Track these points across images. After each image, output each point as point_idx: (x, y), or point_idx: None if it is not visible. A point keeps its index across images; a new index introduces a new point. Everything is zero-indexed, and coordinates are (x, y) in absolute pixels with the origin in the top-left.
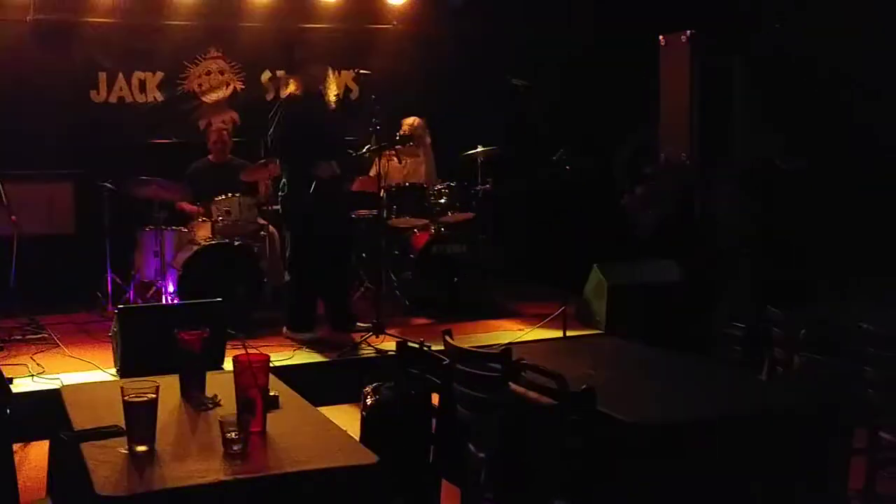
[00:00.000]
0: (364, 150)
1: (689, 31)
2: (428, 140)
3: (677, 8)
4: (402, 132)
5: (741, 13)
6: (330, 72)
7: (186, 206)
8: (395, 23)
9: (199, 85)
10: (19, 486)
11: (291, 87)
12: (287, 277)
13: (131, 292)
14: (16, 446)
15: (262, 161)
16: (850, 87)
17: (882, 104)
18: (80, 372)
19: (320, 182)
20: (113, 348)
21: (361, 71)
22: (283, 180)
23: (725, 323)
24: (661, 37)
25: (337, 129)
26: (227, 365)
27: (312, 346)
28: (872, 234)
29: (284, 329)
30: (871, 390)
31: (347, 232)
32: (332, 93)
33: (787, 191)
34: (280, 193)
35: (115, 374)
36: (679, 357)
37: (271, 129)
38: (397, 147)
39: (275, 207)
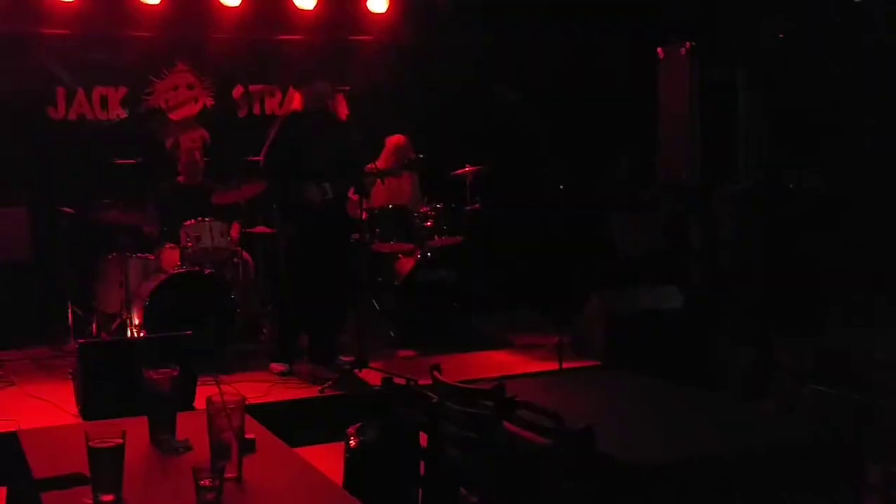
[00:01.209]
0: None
1: (688, 43)
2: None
3: (675, 19)
4: (386, 152)
5: (742, 23)
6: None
7: (155, 230)
8: (375, 35)
9: (166, 101)
10: None
11: (295, 104)
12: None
13: (93, 325)
14: None
15: (234, 183)
16: (862, 97)
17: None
18: (38, 413)
19: (313, 205)
20: (74, 387)
21: (340, 87)
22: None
23: (730, 353)
24: (659, 49)
25: (340, 149)
26: (199, 404)
27: (289, 381)
28: (887, 257)
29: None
30: (885, 423)
31: (345, 260)
32: (343, 112)
33: (794, 211)
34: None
35: (76, 415)
36: (682, 390)
37: (266, 147)
38: (382, 168)
39: (248, 231)
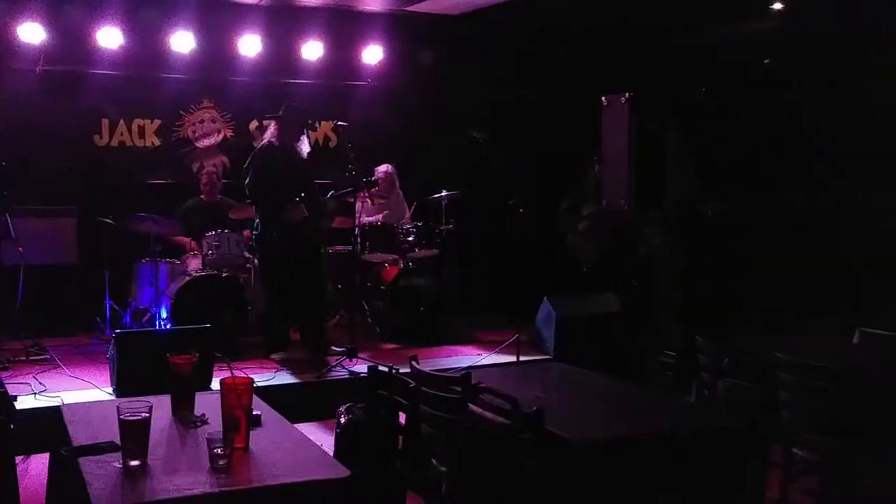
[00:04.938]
0: (330, 194)
1: (627, 94)
2: (398, 184)
3: (618, 72)
4: (374, 178)
5: (674, 78)
6: (306, 132)
7: (181, 239)
8: (369, 80)
9: (193, 132)
10: (20, 497)
11: (269, 136)
12: None
13: (127, 318)
14: (17, 459)
15: (248, 201)
16: (766, 142)
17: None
18: (79, 391)
19: (291, 223)
20: (110, 369)
21: (339, 123)
22: (256, 220)
23: (659, 351)
24: (603, 98)
25: (308, 176)
26: (215, 385)
27: (291, 367)
28: (785, 272)
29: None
30: (786, 411)
31: (318, 266)
32: (306, 149)
33: (711, 234)
34: (254, 233)
35: (111, 393)
36: (618, 381)
37: (248, 177)
38: (372, 190)
39: None
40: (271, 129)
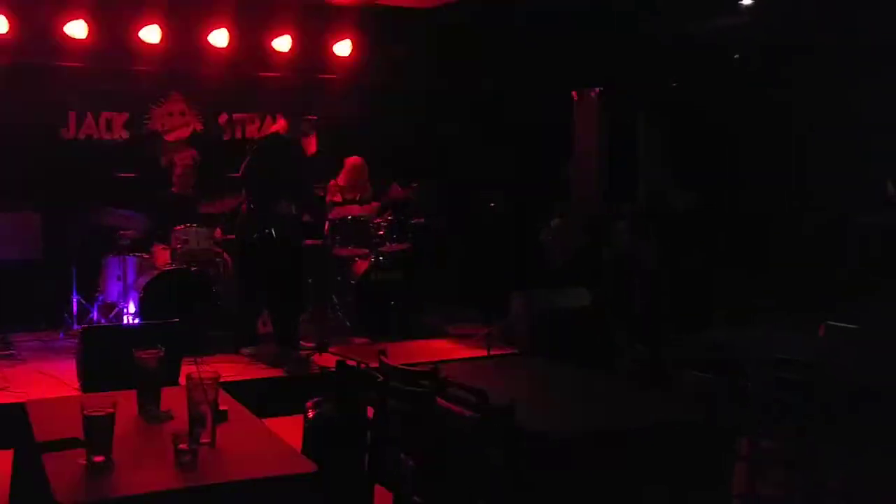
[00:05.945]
0: (329, 201)
1: (598, 88)
2: (367, 177)
3: (589, 67)
4: (344, 171)
5: (644, 71)
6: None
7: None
8: (339, 73)
9: (162, 125)
10: None
11: (278, 128)
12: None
13: (95, 313)
14: None
15: (218, 195)
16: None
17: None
18: (44, 387)
19: (277, 217)
20: (77, 365)
21: (309, 116)
22: (241, 205)
23: (630, 344)
24: (573, 92)
25: (308, 173)
26: (184, 380)
27: (260, 362)
28: (756, 266)
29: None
30: (752, 404)
31: (296, 262)
32: (312, 148)
33: (683, 228)
34: (236, 219)
35: (77, 389)
36: (588, 374)
37: (246, 160)
38: (341, 185)
39: (229, 237)
40: (280, 122)
